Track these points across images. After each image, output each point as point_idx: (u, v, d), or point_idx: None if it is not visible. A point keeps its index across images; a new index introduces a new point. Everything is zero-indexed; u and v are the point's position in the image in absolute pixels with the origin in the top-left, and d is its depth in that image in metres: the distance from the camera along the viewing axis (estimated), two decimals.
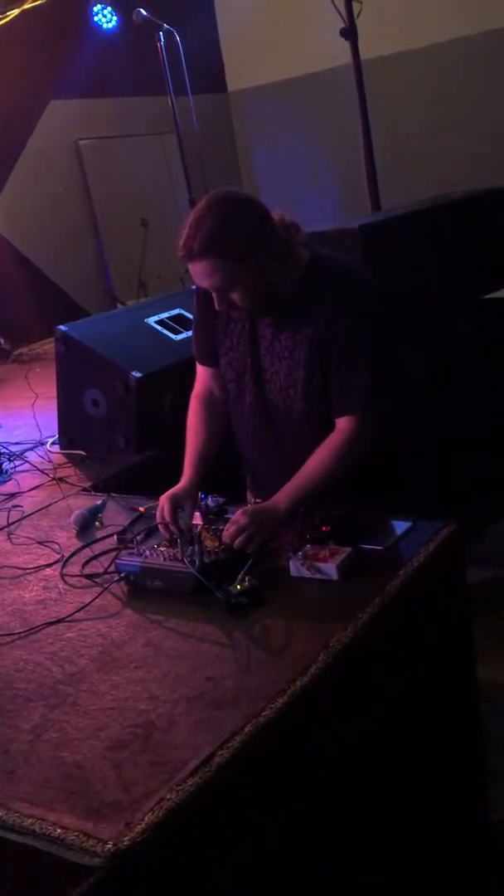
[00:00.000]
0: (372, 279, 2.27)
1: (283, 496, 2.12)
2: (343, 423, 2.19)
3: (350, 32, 4.64)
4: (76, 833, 1.29)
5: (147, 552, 2.05)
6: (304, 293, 2.20)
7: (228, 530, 2.02)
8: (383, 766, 1.79)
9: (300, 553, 1.95)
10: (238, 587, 1.86)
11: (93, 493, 2.75)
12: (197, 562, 1.93)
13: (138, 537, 2.20)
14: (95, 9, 6.21)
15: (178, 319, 3.40)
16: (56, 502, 2.69)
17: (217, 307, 2.19)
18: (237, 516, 2.05)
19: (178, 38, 5.60)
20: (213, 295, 2.16)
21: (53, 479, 2.91)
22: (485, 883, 2.21)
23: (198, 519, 2.20)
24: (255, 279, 2.11)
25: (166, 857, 1.30)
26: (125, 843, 1.25)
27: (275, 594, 1.88)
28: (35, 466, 3.07)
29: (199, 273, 2.11)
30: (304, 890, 1.59)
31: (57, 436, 3.28)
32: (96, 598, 2.01)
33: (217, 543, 2.03)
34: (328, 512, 2.04)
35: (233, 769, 1.40)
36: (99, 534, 2.37)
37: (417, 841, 1.95)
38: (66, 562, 2.23)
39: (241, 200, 2.15)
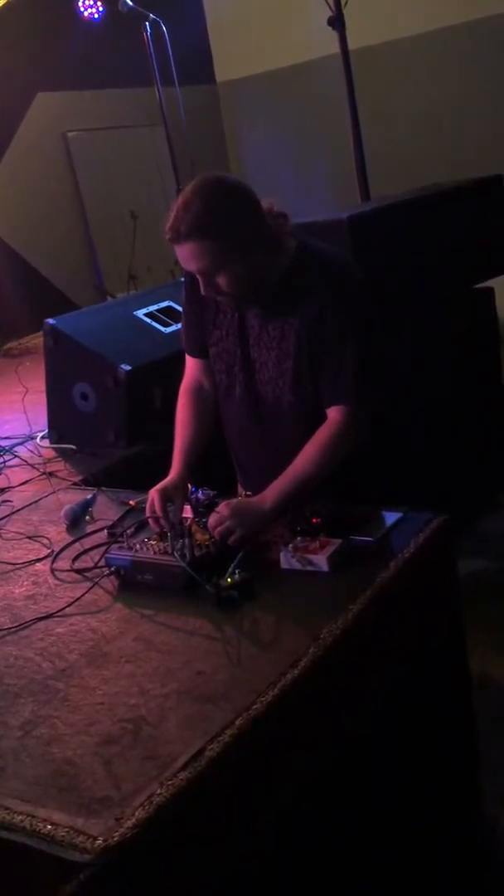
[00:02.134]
0: (359, 270, 2.26)
1: (270, 493, 2.11)
2: (333, 414, 2.18)
3: (338, 22, 4.61)
4: (66, 829, 1.28)
5: (137, 546, 2.04)
6: (292, 283, 2.19)
7: (210, 521, 2.02)
8: (375, 760, 1.79)
9: (291, 545, 1.94)
10: (228, 580, 1.86)
11: (83, 487, 2.74)
12: (187, 555, 1.93)
13: (128, 531, 2.19)
14: None
15: (168, 312, 3.38)
16: (46, 497, 2.68)
17: (203, 292, 2.17)
18: (220, 508, 2.05)
19: (164, 28, 5.57)
20: (199, 279, 2.14)
21: (43, 473, 2.90)
22: (478, 877, 2.21)
23: (188, 512, 2.20)
24: (241, 264, 2.10)
25: (157, 852, 1.29)
26: (115, 839, 1.25)
27: (265, 587, 1.88)
28: (25, 461, 3.06)
29: (186, 256, 2.09)
30: (296, 885, 1.59)
31: (47, 430, 3.27)
32: (86, 592, 2.00)
33: (207, 537, 2.02)
34: (319, 504, 2.03)
35: (223, 763, 1.39)
36: (89, 528, 2.36)
37: (411, 835, 1.94)
38: (56, 556, 2.23)
39: (230, 184, 2.15)
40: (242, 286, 2.14)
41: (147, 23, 5.52)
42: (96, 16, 6.19)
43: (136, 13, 5.49)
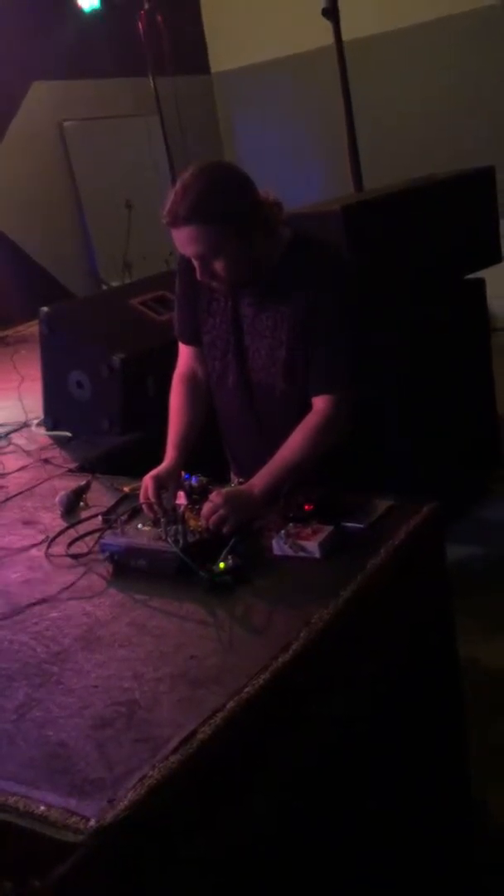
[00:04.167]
0: (352, 261, 2.28)
1: (258, 480, 2.12)
2: (319, 403, 2.19)
3: (332, 13, 4.62)
4: (59, 810, 1.30)
5: (131, 532, 2.05)
6: (286, 272, 2.20)
7: (204, 510, 2.03)
8: (366, 744, 1.81)
9: (283, 531, 1.96)
10: (221, 566, 1.87)
11: (78, 473, 2.75)
12: (180, 541, 1.94)
13: (123, 517, 2.21)
14: None
15: (163, 301, 3.38)
16: (41, 483, 2.69)
17: (199, 277, 2.18)
18: (213, 496, 2.05)
19: (159, 18, 5.56)
20: (196, 264, 2.15)
21: (39, 460, 2.91)
22: (469, 860, 2.23)
23: (181, 499, 2.21)
24: (239, 249, 2.11)
25: (149, 834, 1.31)
26: (108, 820, 1.26)
27: (258, 573, 1.89)
28: (20, 448, 3.07)
29: (183, 240, 2.09)
30: (288, 866, 1.61)
31: (42, 417, 3.27)
32: (81, 578, 2.01)
33: (200, 523, 2.03)
34: (311, 491, 2.05)
35: (215, 746, 1.41)
36: (84, 514, 2.37)
37: (401, 819, 1.96)
38: (50, 542, 2.23)
39: (228, 170, 2.16)
40: (239, 271, 2.15)
41: (142, 12, 5.52)
42: (92, 5, 6.16)
43: (131, 3, 5.49)
